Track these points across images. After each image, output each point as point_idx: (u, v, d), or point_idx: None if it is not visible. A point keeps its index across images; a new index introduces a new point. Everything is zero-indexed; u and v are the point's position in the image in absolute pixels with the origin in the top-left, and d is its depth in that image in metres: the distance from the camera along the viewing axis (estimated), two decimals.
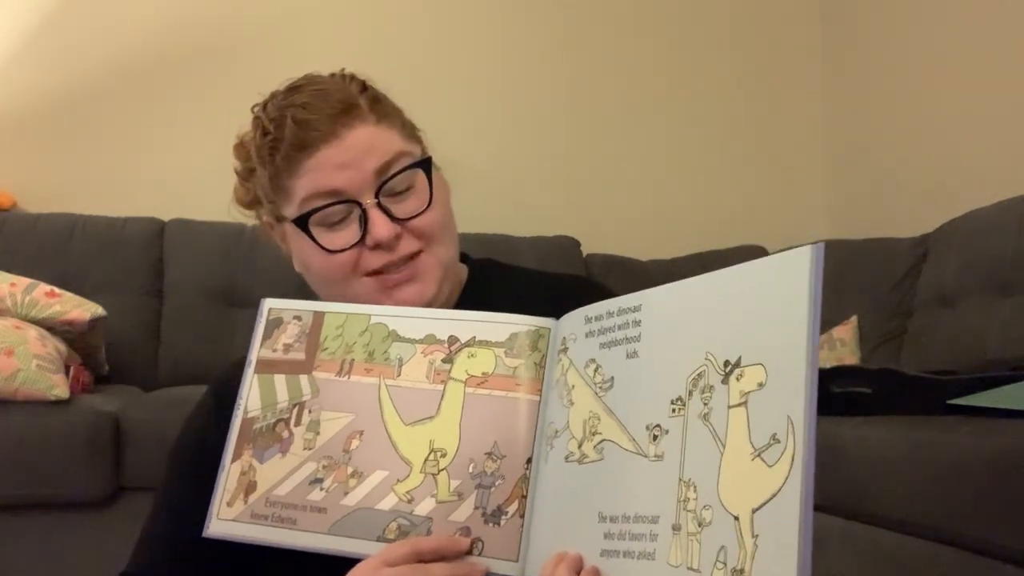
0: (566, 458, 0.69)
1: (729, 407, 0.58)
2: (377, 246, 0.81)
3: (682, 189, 3.06)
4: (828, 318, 2.39)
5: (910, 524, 1.34)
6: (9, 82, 2.62)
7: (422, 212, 0.82)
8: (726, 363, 0.59)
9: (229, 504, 0.76)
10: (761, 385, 0.57)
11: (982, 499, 1.21)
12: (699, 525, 0.58)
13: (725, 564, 0.55)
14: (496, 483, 0.72)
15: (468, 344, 0.76)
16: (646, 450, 0.64)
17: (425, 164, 0.83)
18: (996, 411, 1.36)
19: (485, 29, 2.94)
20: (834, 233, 2.89)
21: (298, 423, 0.77)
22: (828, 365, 2.03)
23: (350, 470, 0.75)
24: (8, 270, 2.11)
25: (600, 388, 0.69)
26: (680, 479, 0.60)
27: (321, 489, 0.74)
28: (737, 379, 0.58)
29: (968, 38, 2.49)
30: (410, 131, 0.87)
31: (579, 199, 2.98)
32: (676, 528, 0.60)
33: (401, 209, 0.82)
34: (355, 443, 0.75)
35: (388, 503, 0.73)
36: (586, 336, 0.72)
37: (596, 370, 0.70)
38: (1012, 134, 2.32)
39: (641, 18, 3.07)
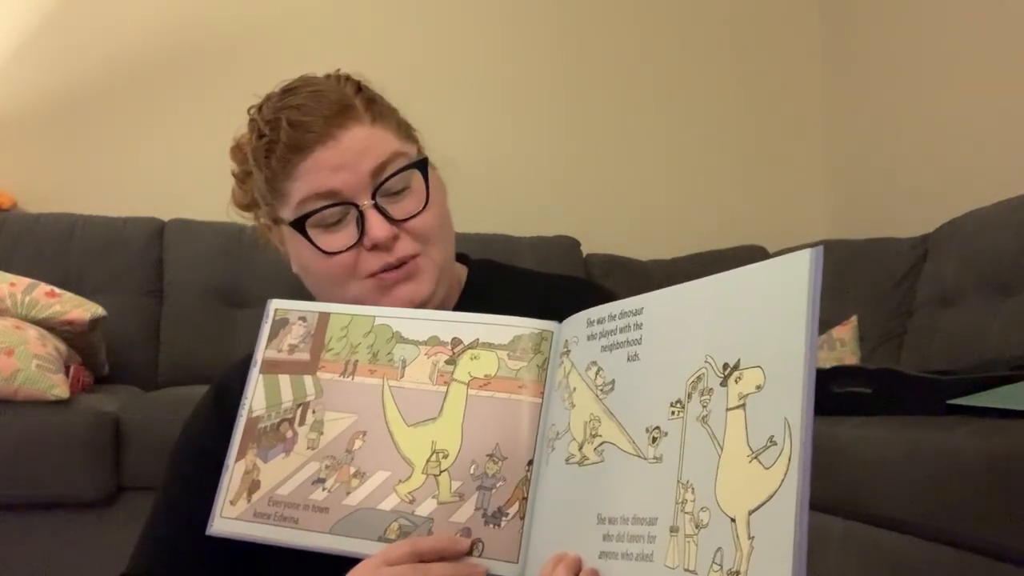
0: (567, 460, 0.70)
1: (727, 409, 0.58)
2: (375, 247, 0.81)
3: (682, 189, 3.06)
4: (828, 318, 2.39)
5: (910, 524, 1.34)
6: (9, 82, 2.62)
7: (419, 213, 0.82)
8: (725, 366, 0.60)
9: (232, 503, 0.76)
10: (759, 388, 0.57)
11: (982, 499, 1.21)
12: (696, 527, 0.58)
13: (721, 566, 0.55)
14: (497, 485, 0.72)
15: (471, 346, 0.77)
16: (645, 452, 0.64)
17: (421, 165, 0.83)
18: (996, 411, 1.35)
19: (485, 29, 2.94)
20: (834, 233, 2.89)
21: (302, 423, 0.78)
22: (828, 365, 2.03)
23: (352, 470, 0.75)
24: (8, 270, 2.11)
25: (601, 390, 0.69)
26: (678, 481, 0.60)
27: (323, 489, 0.75)
28: (736, 381, 0.58)
29: (968, 38, 2.49)
30: (406, 131, 0.87)
31: (579, 199, 2.98)
32: (674, 530, 0.60)
33: (398, 210, 0.82)
34: (358, 443, 0.76)
35: (390, 503, 0.73)
36: (588, 339, 0.72)
37: (598, 372, 0.71)
38: (1012, 134, 2.32)
39: (641, 18, 3.07)
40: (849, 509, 1.47)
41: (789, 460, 0.54)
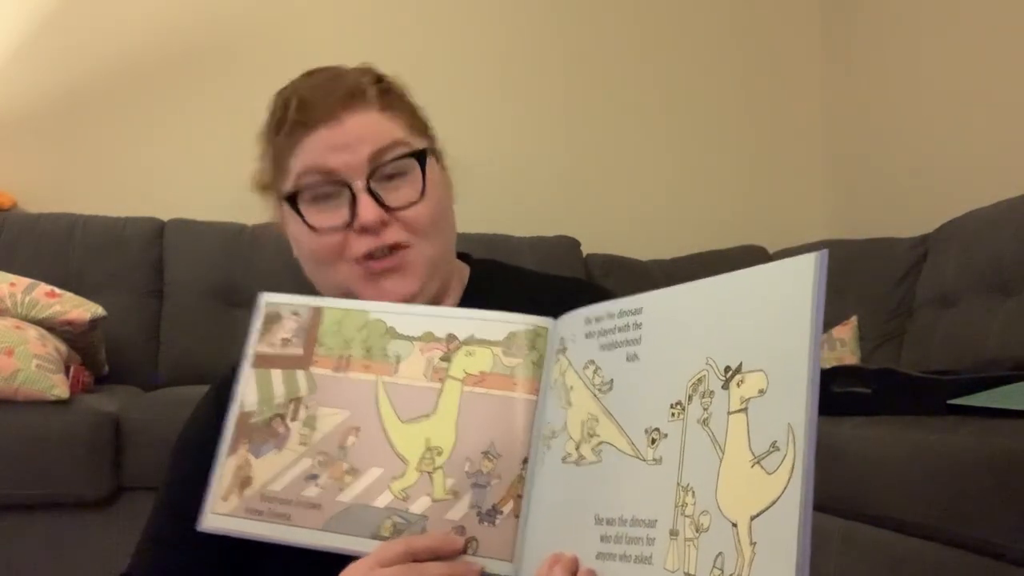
0: (563, 459, 0.69)
1: (729, 413, 0.58)
2: (364, 230, 0.81)
3: (682, 189, 3.06)
4: (828, 318, 2.37)
5: (910, 524, 1.34)
6: (9, 82, 2.62)
7: (413, 203, 0.82)
8: (727, 369, 0.59)
9: (224, 498, 0.75)
10: (762, 392, 0.56)
11: (982, 499, 1.21)
12: (697, 531, 0.57)
13: (722, 571, 0.55)
14: (492, 483, 0.72)
15: (466, 342, 0.76)
16: (644, 454, 0.63)
17: (420, 155, 0.83)
18: (996, 411, 1.36)
19: (486, 29, 2.94)
20: (834, 233, 2.90)
21: (295, 418, 0.77)
22: (828, 365, 2.03)
23: (346, 467, 0.74)
24: (8, 270, 2.11)
25: (599, 390, 0.69)
26: (679, 484, 0.60)
27: (316, 485, 0.74)
28: (738, 385, 0.58)
29: (968, 38, 2.49)
30: (420, 127, 0.87)
31: (579, 199, 2.98)
32: (674, 533, 0.59)
33: (392, 197, 0.81)
34: (351, 440, 0.75)
35: (383, 500, 0.73)
36: (586, 337, 0.71)
37: (595, 371, 0.70)
38: (1012, 134, 2.32)
39: (641, 19, 3.07)
40: (849, 509, 1.47)
41: (792, 466, 0.53)
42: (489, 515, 0.71)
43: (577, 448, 0.69)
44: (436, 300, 0.87)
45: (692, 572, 0.57)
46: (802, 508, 0.52)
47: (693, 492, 0.59)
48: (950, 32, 2.56)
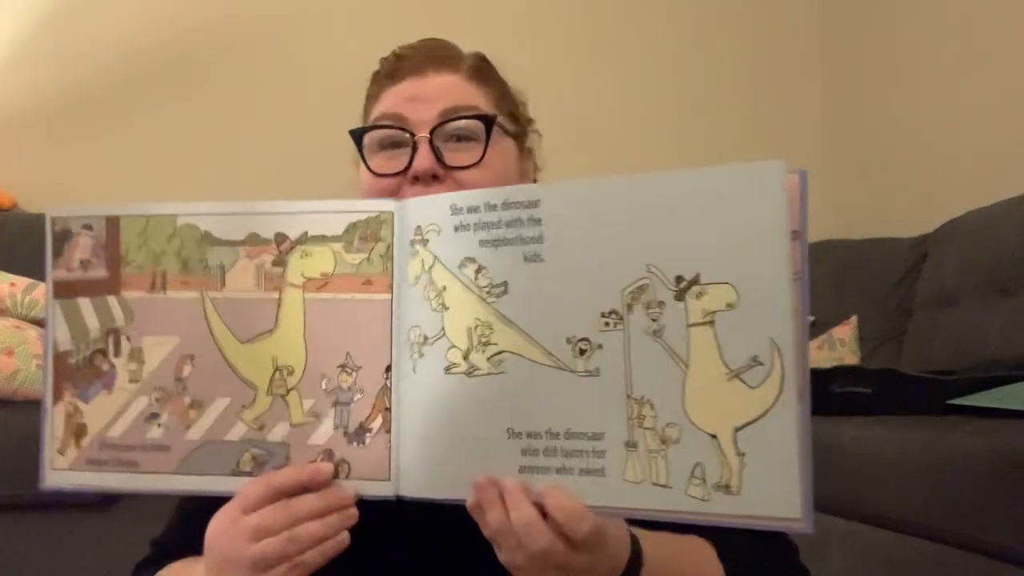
0: (447, 369, 0.63)
1: (689, 326, 0.57)
2: (416, 179, 0.80)
3: None
4: (828, 318, 2.39)
5: (910, 524, 1.34)
6: (9, 82, 2.62)
7: (469, 166, 0.81)
8: (678, 279, 0.57)
9: (61, 452, 0.69)
10: (731, 306, 0.55)
11: (982, 499, 1.21)
12: (663, 442, 0.57)
13: (704, 480, 0.56)
14: (355, 398, 0.65)
15: (300, 241, 0.67)
16: (572, 365, 0.60)
17: (486, 120, 0.82)
18: (996, 411, 1.36)
19: (484, 27, 2.93)
20: (834, 233, 2.89)
21: (117, 353, 0.68)
22: (828, 365, 2.03)
23: (188, 400, 0.67)
24: (8, 270, 2.11)
25: (488, 293, 0.63)
26: (629, 396, 0.59)
27: (159, 425, 0.67)
28: (696, 297, 0.56)
29: (968, 38, 2.49)
30: (508, 107, 0.88)
31: None
32: (631, 445, 0.58)
33: (452, 157, 0.81)
34: (187, 369, 0.67)
35: (237, 432, 0.66)
36: (456, 230, 0.64)
37: (479, 271, 0.63)
38: (1012, 134, 2.31)
39: (637, 20, 3.07)
40: (849, 509, 1.47)
41: (783, 379, 0.54)
42: (357, 434, 0.65)
43: (465, 357, 0.63)
44: None
45: (663, 482, 0.57)
46: (800, 419, 0.53)
47: (651, 404, 0.58)
48: (950, 32, 2.56)
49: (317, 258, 0.67)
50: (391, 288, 0.66)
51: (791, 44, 3.15)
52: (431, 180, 0.80)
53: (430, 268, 0.65)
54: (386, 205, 0.67)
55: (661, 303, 0.58)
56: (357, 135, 0.83)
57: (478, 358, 0.63)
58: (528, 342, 0.61)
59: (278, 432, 0.66)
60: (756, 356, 0.55)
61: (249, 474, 0.66)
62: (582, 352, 0.60)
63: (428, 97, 0.82)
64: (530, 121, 0.91)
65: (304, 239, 0.67)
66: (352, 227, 0.67)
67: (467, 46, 0.90)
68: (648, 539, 0.66)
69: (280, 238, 0.67)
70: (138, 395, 0.68)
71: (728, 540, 0.74)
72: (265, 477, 0.64)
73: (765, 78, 3.13)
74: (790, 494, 0.53)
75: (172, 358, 0.67)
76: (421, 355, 0.65)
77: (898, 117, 2.78)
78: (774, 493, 0.54)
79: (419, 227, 0.66)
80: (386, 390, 0.65)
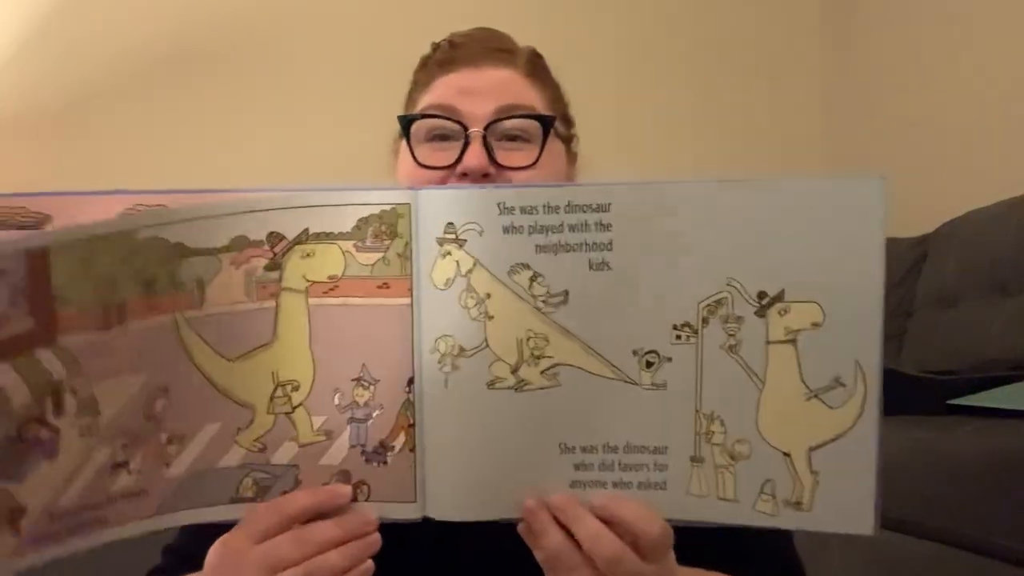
0: (490, 384, 0.58)
1: (768, 343, 0.55)
2: (464, 176, 0.75)
3: None
4: None
5: (910, 524, 1.34)
6: (9, 82, 2.62)
7: (522, 168, 0.77)
8: (761, 295, 0.55)
9: None
10: (817, 325, 0.54)
11: (982, 499, 1.21)
12: (732, 458, 0.57)
13: (773, 496, 0.56)
14: (373, 414, 0.59)
15: (300, 240, 0.58)
16: (638, 378, 0.58)
17: (544, 121, 0.79)
18: (996, 411, 1.36)
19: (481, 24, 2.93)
20: None
21: (59, 413, 0.53)
22: None
23: (164, 437, 0.57)
24: None
25: (544, 302, 0.58)
26: (698, 411, 0.57)
27: (129, 472, 0.56)
28: (780, 314, 0.55)
29: (968, 38, 2.49)
30: (562, 107, 0.85)
31: None
32: (697, 460, 0.58)
33: (505, 156, 0.76)
34: (160, 404, 0.57)
35: (234, 457, 0.59)
36: (505, 232, 0.57)
37: (534, 279, 0.58)
38: (1012, 134, 2.31)
39: (637, 21, 3.07)
40: None
41: (864, 401, 0.53)
42: (377, 453, 0.59)
43: (514, 372, 0.58)
44: None
45: (730, 496, 0.57)
46: (878, 440, 0.53)
47: (721, 420, 0.57)
48: (951, 31, 2.56)
49: (322, 258, 0.58)
50: (411, 292, 0.58)
51: (791, 44, 3.15)
52: (481, 179, 0.75)
53: (468, 272, 0.58)
54: (402, 195, 0.58)
55: (740, 318, 0.56)
56: (405, 122, 0.79)
57: (529, 372, 0.58)
58: (588, 354, 0.58)
59: (284, 453, 0.59)
60: (839, 377, 0.54)
61: (252, 500, 0.59)
62: (649, 365, 0.57)
63: (483, 91, 0.78)
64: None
65: (305, 237, 0.58)
66: (364, 222, 0.58)
67: None
68: (683, 573, 0.63)
69: (274, 238, 0.57)
70: (96, 449, 0.55)
71: None
72: (276, 502, 0.58)
73: (765, 78, 3.12)
74: (864, 512, 0.54)
75: (139, 397, 0.56)
76: (455, 368, 0.58)
77: (898, 117, 2.78)
78: (847, 510, 0.54)
79: (451, 224, 0.58)
80: (409, 405, 0.59)
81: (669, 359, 0.57)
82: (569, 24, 3.01)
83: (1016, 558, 1.17)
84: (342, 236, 0.58)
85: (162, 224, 0.56)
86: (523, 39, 0.90)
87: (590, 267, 0.57)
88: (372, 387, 0.59)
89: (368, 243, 0.58)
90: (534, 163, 0.77)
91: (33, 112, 2.64)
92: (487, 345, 0.58)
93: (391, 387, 0.59)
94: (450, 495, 0.60)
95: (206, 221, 0.57)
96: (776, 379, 0.55)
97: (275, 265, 0.58)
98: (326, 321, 0.58)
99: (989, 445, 1.22)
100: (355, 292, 0.58)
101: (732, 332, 0.56)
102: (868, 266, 0.53)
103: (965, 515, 1.24)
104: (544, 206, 0.57)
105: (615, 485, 0.58)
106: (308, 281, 0.58)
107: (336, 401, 0.59)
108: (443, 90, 0.79)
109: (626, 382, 0.58)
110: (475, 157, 0.75)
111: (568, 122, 0.87)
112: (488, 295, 0.58)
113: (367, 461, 0.59)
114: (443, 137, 0.78)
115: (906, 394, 1.54)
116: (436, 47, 0.83)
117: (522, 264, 0.57)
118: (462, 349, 0.58)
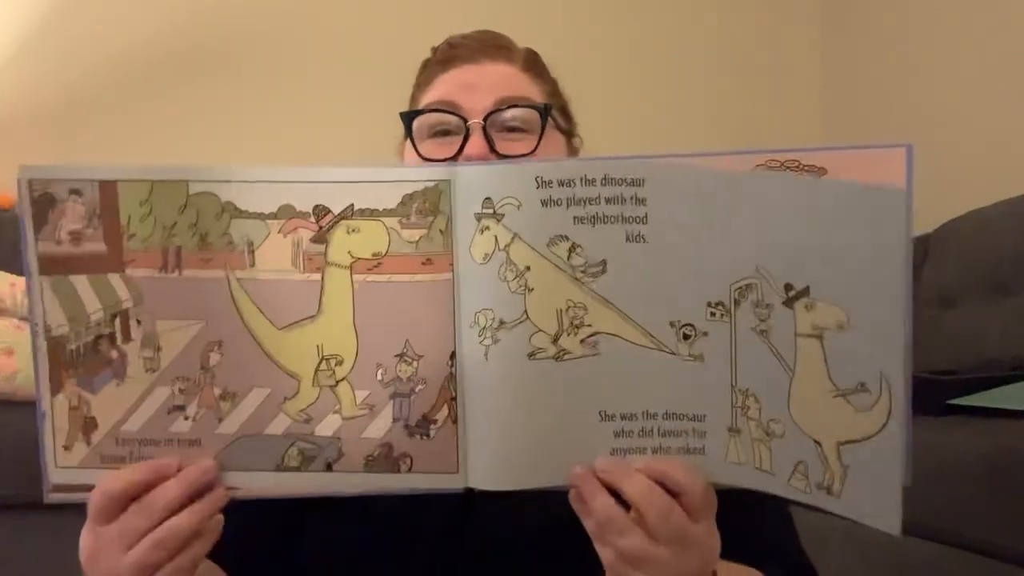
0: (530, 355, 0.59)
1: (797, 335, 0.55)
2: None
3: None
4: None
5: (910, 524, 1.34)
6: (10, 82, 2.62)
7: (522, 156, 0.79)
8: (788, 287, 0.55)
9: (67, 447, 0.62)
10: (841, 327, 0.53)
11: (982, 499, 1.21)
12: (767, 435, 0.57)
13: (807, 477, 0.56)
14: (416, 389, 0.60)
15: (345, 215, 0.59)
16: (676, 348, 0.58)
17: (541, 110, 0.80)
18: (996, 411, 1.35)
19: (485, 23, 2.93)
20: None
21: (127, 339, 0.60)
22: None
23: (218, 391, 0.60)
24: (8, 270, 2.11)
25: (583, 272, 0.58)
26: (733, 385, 0.58)
27: (186, 418, 0.60)
28: (807, 309, 0.55)
29: (968, 38, 2.49)
30: (560, 101, 0.87)
31: None
32: (734, 430, 0.58)
33: (505, 146, 0.79)
34: (215, 358, 0.60)
35: (280, 426, 0.61)
36: (544, 205, 0.58)
37: (572, 250, 0.58)
38: (1012, 134, 2.31)
39: (636, 12, 3.07)
40: None
41: (889, 410, 0.53)
42: (421, 426, 0.60)
43: (555, 341, 0.59)
44: None
45: (767, 468, 0.57)
46: (905, 449, 0.53)
47: (756, 398, 0.57)
48: (950, 31, 2.56)
49: (367, 235, 0.59)
50: (451, 267, 0.59)
51: (791, 43, 3.15)
52: None
53: (507, 246, 0.58)
54: (442, 172, 0.59)
55: (769, 305, 0.56)
56: (408, 119, 0.81)
57: (569, 342, 0.59)
58: (627, 323, 0.58)
59: (328, 425, 0.60)
60: (864, 383, 0.53)
61: (296, 470, 0.61)
62: (686, 337, 0.58)
63: (483, 85, 0.80)
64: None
65: (350, 212, 0.59)
66: (408, 199, 0.58)
67: None
68: (720, 564, 0.63)
69: (320, 211, 0.59)
70: (157, 385, 0.60)
71: None
72: (101, 485, 0.58)
73: (764, 77, 3.13)
74: (890, 512, 0.54)
75: (196, 345, 0.60)
76: (495, 340, 0.59)
77: (898, 117, 2.78)
78: (875, 507, 0.55)
79: (488, 199, 0.58)
80: (451, 379, 0.60)
81: (705, 333, 0.58)
82: (570, 21, 3.01)
83: (1016, 558, 1.17)
84: (387, 213, 0.59)
85: (213, 181, 0.59)
86: (524, 36, 0.91)
87: (627, 239, 0.58)
88: (415, 362, 0.60)
89: (412, 219, 0.59)
90: (533, 151, 0.79)
91: (33, 112, 2.64)
92: (527, 317, 0.59)
93: (434, 362, 0.60)
94: (492, 465, 0.60)
95: (254, 185, 0.59)
96: (805, 370, 0.55)
97: (321, 239, 0.59)
98: (370, 298, 0.59)
99: (989, 445, 1.22)
100: (399, 269, 0.59)
101: (763, 318, 0.56)
102: (891, 275, 0.52)
103: (965, 515, 1.24)
104: (581, 179, 0.57)
105: (655, 451, 0.59)
106: (353, 258, 0.59)
107: (379, 376, 0.60)
108: (443, 87, 0.82)
109: (664, 351, 0.58)
110: (476, 147, 0.77)
111: (568, 116, 0.88)
112: (527, 267, 0.59)
113: (410, 435, 0.60)
114: (445, 132, 0.80)
115: None
116: (436, 49, 0.86)
117: (561, 236, 0.58)
118: (502, 322, 0.59)
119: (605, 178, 0.57)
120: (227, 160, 3.04)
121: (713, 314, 0.58)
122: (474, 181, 0.59)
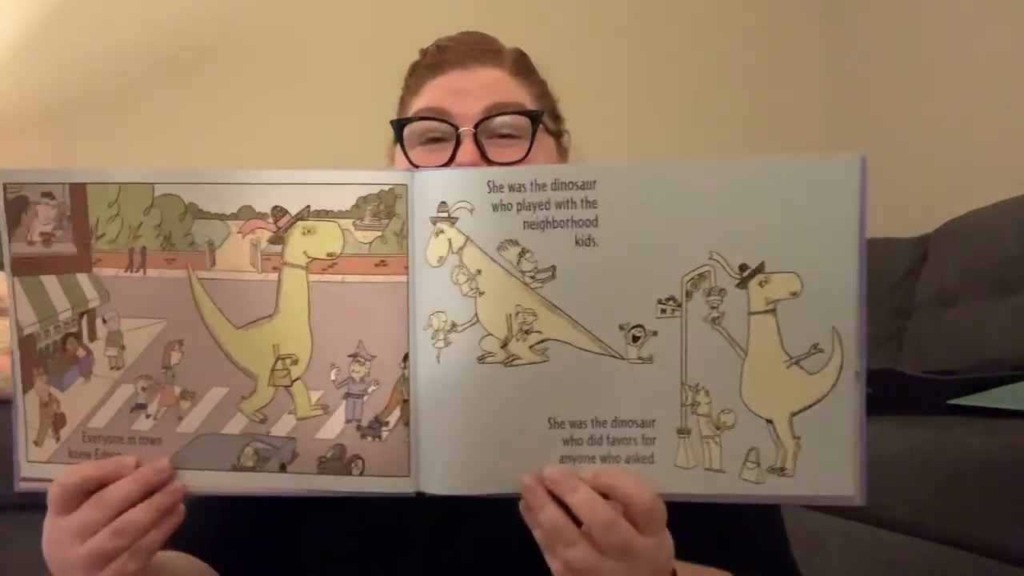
0: (480, 359, 0.60)
1: (750, 313, 0.58)
2: None
3: None
4: None
5: (910, 524, 1.34)
6: (10, 82, 2.62)
7: (513, 163, 0.78)
8: (742, 267, 0.58)
9: (37, 443, 0.63)
10: (795, 295, 0.57)
11: (982, 499, 1.21)
12: (717, 428, 0.59)
13: (758, 464, 0.58)
14: (369, 390, 0.61)
15: (301, 216, 0.60)
16: (624, 352, 0.59)
17: (532, 116, 0.81)
18: (996, 411, 1.36)
19: (484, 22, 2.93)
20: None
21: (93, 337, 0.62)
22: None
23: (178, 390, 0.62)
24: None
25: (532, 278, 0.59)
26: (683, 383, 0.59)
27: (147, 416, 0.62)
28: (760, 285, 0.57)
29: (969, 38, 2.49)
30: (549, 103, 0.87)
31: None
32: (684, 432, 0.59)
33: (496, 153, 0.79)
34: (176, 356, 0.62)
35: (236, 425, 0.62)
36: (494, 209, 0.59)
37: (522, 255, 0.59)
38: (1012, 134, 2.31)
39: (638, 13, 3.07)
40: (849, 509, 1.46)
41: (841, 366, 0.56)
42: (372, 428, 0.61)
43: (503, 346, 0.59)
44: None
45: (716, 467, 0.59)
46: (859, 404, 0.56)
47: (706, 391, 0.59)
48: (951, 31, 2.56)
49: (322, 236, 0.60)
50: (407, 269, 0.60)
51: (791, 43, 3.15)
52: None
53: (460, 249, 0.60)
54: (399, 176, 0.60)
55: (722, 291, 0.58)
56: (398, 126, 0.81)
57: (518, 347, 0.59)
58: (576, 329, 0.59)
59: (283, 426, 0.61)
60: (817, 344, 0.57)
61: (252, 470, 0.61)
62: (635, 339, 0.59)
63: (472, 91, 0.80)
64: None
65: (306, 214, 0.60)
66: (363, 201, 0.60)
67: None
68: (680, 566, 0.64)
69: (278, 212, 0.60)
70: (121, 383, 0.62)
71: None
72: (58, 479, 0.60)
73: (765, 77, 3.13)
74: (844, 474, 0.56)
75: (158, 344, 0.62)
76: (447, 343, 0.60)
77: (898, 117, 2.78)
78: (828, 474, 0.57)
79: (444, 203, 0.60)
80: (404, 381, 0.60)
81: (655, 333, 0.59)
82: (569, 21, 3.01)
83: (1016, 558, 1.17)
84: (341, 214, 0.60)
85: (176, 183, 0.61)
86: (524, 36, 0.91)
87: (576, 243, 0.59)
88: (368, 363, 0.61)
89: (367, 221, 0.60)
90: (524, 157, 0.79)
91: (33, 112, 2.64)
92: (477, 320, 0.60)
93: (387, 363, 0.61)
94: (443, 470, 0.61)
95: (215, 187, 0.61)
96: (758, 348, 0.58)
97: (278, 239, 0.61)
98: (325, 298, 0.61)
99: (989, 445, 1.22)
100: (353, 270, 0.60)
101: (715, 305, 0.58)
102: (844, 239, 0.56)
103: (965, 515, 1.24)
104: (532, 183, 0.59)
105: (603, 460, 0.60)
106: (309, 257, 0.61)
107: (333, 376, 0.61)
108: (433, 93, 0.82)
109: (613, 356, 0.59)
110: (467, 155, 0.77)
111: (557, 118, 0.89)
112: (479, 271, 0.60)
113: (362, 436, 0.61)
114: (436, 139, 0.80)
115: (906, 394, 1.54)
116: (424, 52, 0.86)
117: (511, 240, 0.59)
118: (454, 324, 0.60)
119: (556, 182, 0.58)
120: (227, 160, 3.04)
121: (664, 311, 0.59)
122: (430, 185, 0.60)
